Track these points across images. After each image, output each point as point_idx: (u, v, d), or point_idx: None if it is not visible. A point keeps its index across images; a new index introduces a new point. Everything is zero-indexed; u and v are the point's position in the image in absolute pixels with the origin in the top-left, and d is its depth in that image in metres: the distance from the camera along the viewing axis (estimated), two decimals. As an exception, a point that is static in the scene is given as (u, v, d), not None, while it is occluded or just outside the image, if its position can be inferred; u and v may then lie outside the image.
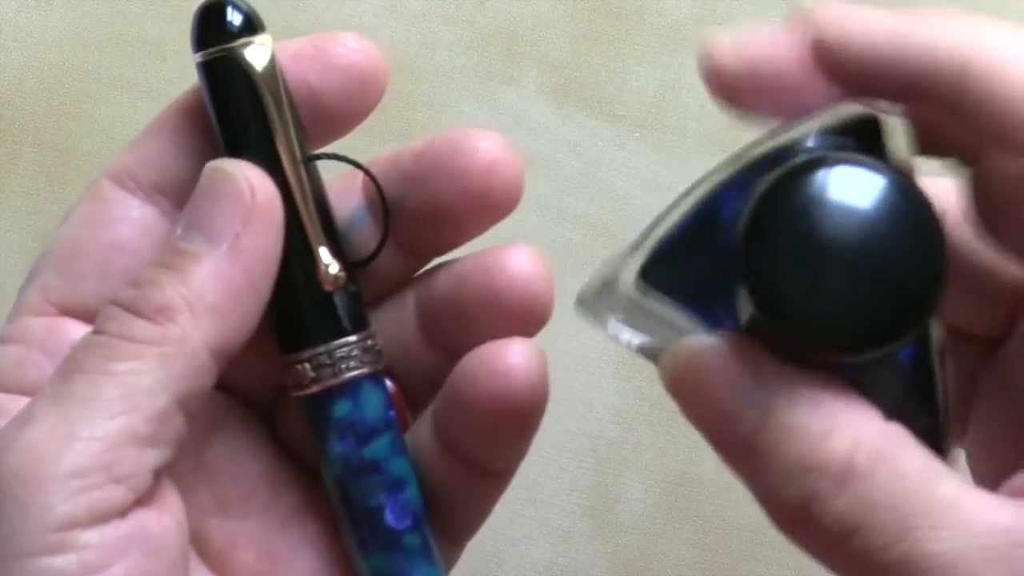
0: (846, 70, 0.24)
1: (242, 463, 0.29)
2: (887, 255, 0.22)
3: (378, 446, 0.27)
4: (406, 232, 0.29)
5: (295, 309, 0.27)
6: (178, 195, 0.27)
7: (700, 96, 0.49)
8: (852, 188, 0.22)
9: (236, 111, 0.27)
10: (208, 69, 0.27)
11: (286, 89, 0.27)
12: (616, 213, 0.46)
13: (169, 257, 0.26)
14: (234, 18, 0.27)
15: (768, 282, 0.22)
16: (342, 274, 0.27)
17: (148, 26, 0.45)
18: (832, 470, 0.22)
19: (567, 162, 0.46)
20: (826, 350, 0.22)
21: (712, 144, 0.45)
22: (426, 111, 0.46)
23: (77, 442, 0.24)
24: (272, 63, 0.27)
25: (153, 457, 0.25)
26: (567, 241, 0.46)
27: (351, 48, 0.28)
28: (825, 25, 0.24)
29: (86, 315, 0.27)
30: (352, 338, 0.27)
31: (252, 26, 0.27)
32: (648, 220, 0.25)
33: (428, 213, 0.28)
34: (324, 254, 0.27)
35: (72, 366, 0.25)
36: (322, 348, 0.27)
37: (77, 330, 0.27)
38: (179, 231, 0.26)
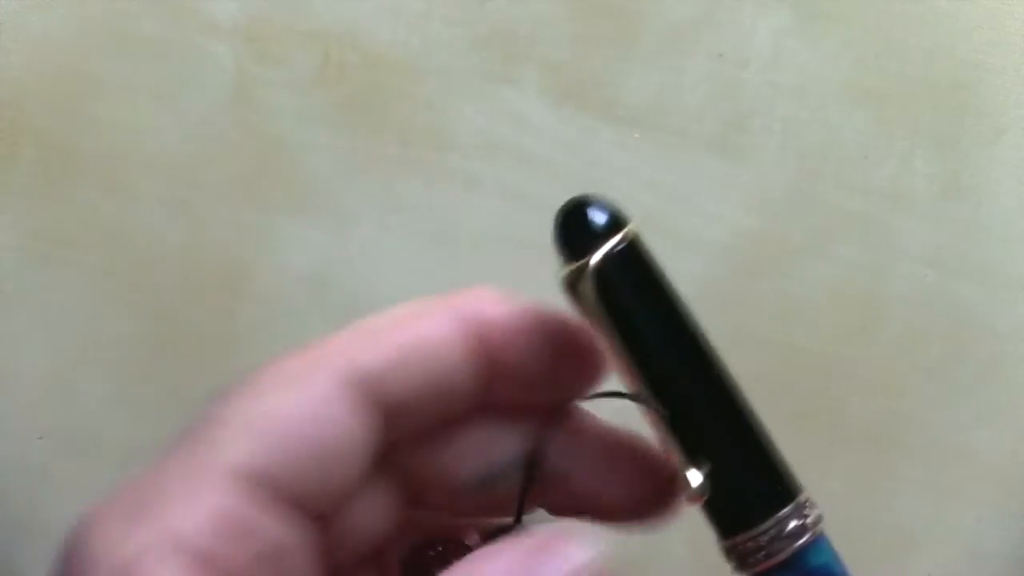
0: None
1: None
2: None
3: None
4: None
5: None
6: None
7: (700, 96, 0.49)
8: None
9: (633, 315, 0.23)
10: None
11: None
12: (616, 213, 0.45)
13: None
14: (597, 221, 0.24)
15: None
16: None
17: (148, 26, 0.45)
18: None
19: (567, 162, 0.46)
20: None
21: (712, 144, 0.45)
22: (426, 111, 0.46)
23: None
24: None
25: None
26: (567, 241, 0.46)
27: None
28: None
29: None
30: None
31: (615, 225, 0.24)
32: None
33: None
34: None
35: None
36: None
37: None
38: None
